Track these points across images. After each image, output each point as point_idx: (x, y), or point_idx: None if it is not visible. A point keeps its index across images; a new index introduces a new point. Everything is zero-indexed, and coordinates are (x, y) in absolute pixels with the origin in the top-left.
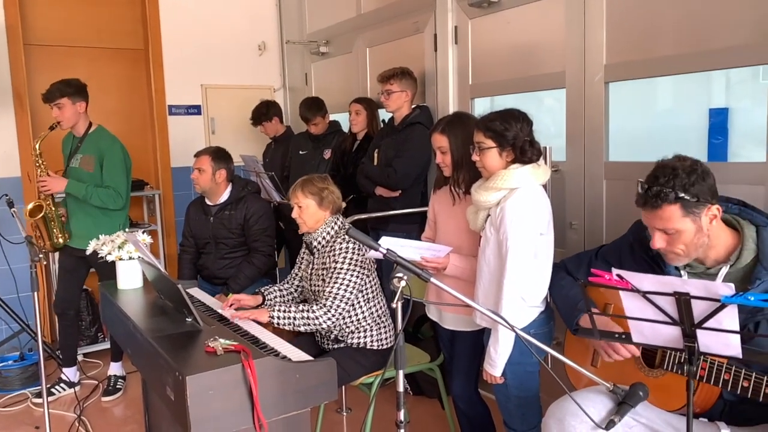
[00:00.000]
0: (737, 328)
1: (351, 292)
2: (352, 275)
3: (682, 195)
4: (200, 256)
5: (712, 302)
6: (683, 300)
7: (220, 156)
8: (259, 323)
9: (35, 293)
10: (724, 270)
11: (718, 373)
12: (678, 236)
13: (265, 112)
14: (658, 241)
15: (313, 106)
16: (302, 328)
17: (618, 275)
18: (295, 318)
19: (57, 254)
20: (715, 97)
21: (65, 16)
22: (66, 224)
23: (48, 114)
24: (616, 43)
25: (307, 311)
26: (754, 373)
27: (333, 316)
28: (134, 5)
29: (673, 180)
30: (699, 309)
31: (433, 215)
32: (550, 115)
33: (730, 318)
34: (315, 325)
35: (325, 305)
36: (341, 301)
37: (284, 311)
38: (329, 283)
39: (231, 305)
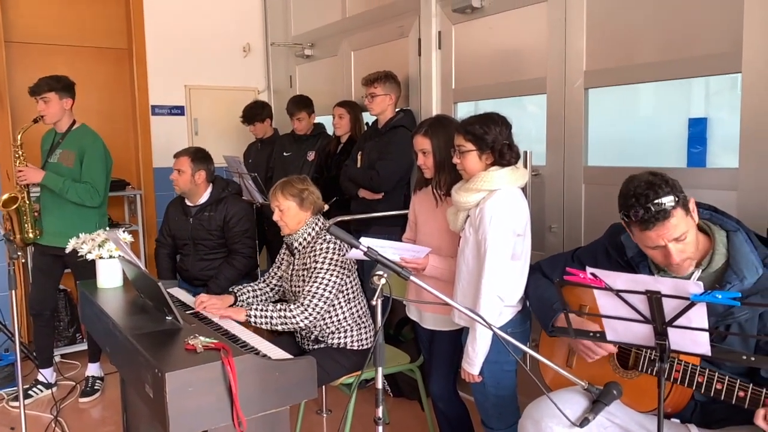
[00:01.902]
0: (706, 326)
1: (330, 292)
2: (331, 275)
3: (677, 196)
4: (178, 255)
5: (682, 300)
6: (655, 298)
7: (199, 157)
8: (238, 322)
9: (13, 292)
10: (696, 274)
11: (692, 375)
12: (686, 239)
13: (259, 112)
14: (677, 254)
15: (300, 102)
16: (279, 327)
17: (592, 274)
18: (272, 317)
19: (30, 254)
20: (694, 106)
21: (48, 14)
22: (38, 221)
23: (27, 112)
24: (596, 50)
25: (284, 310)
26: (727, 376)
27: (310, 315)
28: (118, 4)
29: (660, 189)
30: (670, 307)
31: (414, 216)
32: (531, 120)
33: (699, 316)
34: (292, 324)
35: (302, 304)
36: (319, 300)
37: (261, 310)
38: (308, 282)
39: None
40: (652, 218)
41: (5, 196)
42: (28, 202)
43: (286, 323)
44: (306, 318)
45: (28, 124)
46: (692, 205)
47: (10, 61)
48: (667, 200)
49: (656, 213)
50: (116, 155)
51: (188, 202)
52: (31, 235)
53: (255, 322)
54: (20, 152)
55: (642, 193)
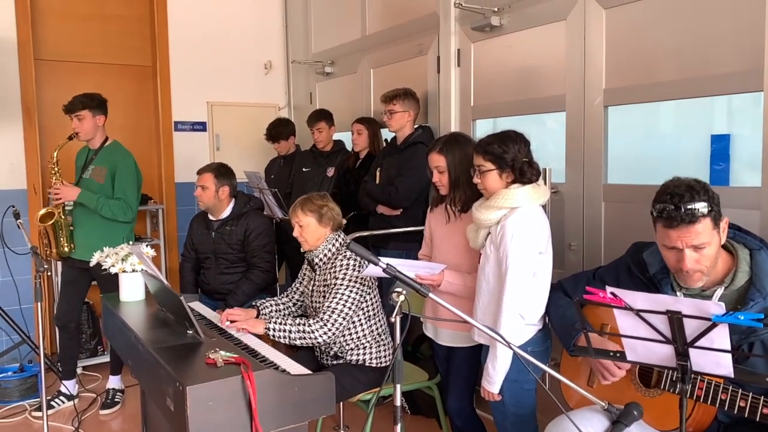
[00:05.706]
0: (728, 347)
1: (350, 308)
2: (351, 291)
3: (712, 207)
4: (201, 269)
5: (704, 321)
6: (675, 318)
7: (222, 172)
8: (257, 336)
9: (38, 304)
10: (719, 292)
11: (716, 392)
12: (705, 251)
13: (283, 130)
14: (690, 261)
15: (320, 114)
16: (297, 342)
17: (612, 293)
18: (290, 331)
19: (59, 266)
20: (716, 122)
21: (75, 32)
22: (73, 235)
23: (55, 128)
24: (616, 68)
25: (303, 325)
26: (751, 393)
27: (329, 330)
28: (143, 22)
29: (697, 195)
30: (691, 328)
31: (430, 233)
32: (550, 137)
33: (721, 337)
34: (310, 339)
35: (321, 320)
36: (339, 315)
37: (280, 323)
38: (328, 298)
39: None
40: (678, 218)
41: (42, 212)
42: (63, 216)
43: (304, 338)
44: (325, 333)
45: (63, 141)
46: (724, 224)
47: (39, 78)
48: (701, 206)
49: (684, 214)
50: None
51: (211, 217)
52: (66, 249)
53: (273, 335)
54: (56, 169)
55: (679, 193)
